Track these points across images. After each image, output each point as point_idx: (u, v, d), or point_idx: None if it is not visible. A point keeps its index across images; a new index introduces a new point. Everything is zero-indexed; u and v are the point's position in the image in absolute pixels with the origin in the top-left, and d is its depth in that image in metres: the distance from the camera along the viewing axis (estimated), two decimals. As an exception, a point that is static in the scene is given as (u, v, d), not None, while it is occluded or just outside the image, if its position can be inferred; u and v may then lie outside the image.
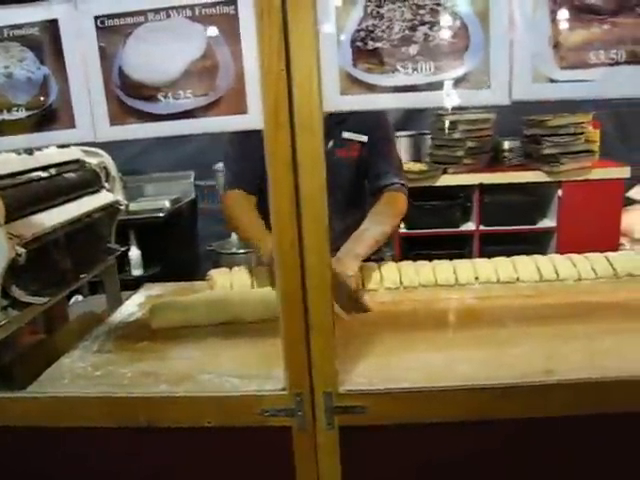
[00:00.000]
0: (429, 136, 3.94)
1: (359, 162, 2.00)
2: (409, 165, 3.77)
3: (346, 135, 1.96)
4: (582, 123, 3.54)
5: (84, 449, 1.24)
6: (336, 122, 1.89)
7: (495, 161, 3.86)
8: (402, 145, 3.95)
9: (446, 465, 1.20)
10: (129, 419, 1.18)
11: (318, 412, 1.15)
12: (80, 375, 1.34)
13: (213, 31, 1.03)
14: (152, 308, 1.61)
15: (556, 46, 1.01)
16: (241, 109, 1.05)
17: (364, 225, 1.84)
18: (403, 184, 2.03)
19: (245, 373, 1.27)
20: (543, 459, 1.19)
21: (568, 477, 1.21)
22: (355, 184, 2.05)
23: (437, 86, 1.02)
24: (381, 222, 1.86)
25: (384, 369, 1.26)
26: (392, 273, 1.79)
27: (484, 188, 3.68)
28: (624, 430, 1.17)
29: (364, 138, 1.97)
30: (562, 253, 1.89)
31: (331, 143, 1.93)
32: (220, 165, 3.76)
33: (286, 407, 1.14)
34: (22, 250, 1.26)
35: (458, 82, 1.02)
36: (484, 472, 1.21)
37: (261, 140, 1.91)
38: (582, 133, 3.55)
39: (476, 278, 1.76)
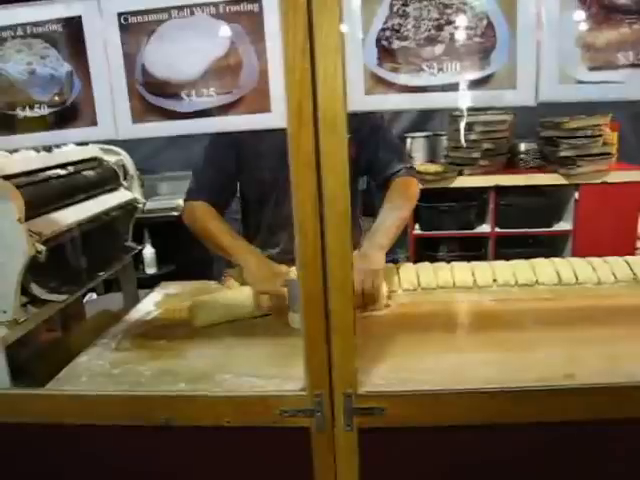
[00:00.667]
0: (445, 137, 3.92)
1: (359, 157, 1.94)
2: (425, 166, 3.76)
3: None
4: (600, 125, 3.51)
5: (102, 447, 1.24)
6: None
7: (511, 163, 3.84)
8: (418, 146, 3.95)
9: (464, 468, 1.19)
10: (147, 418, 1.18)
11: (337, 413, 1.14)
12: (98, 373, 1.34)
13: (237, 29, 1.02)
14: (192, 307, 1.62)
15: (584, 47, 1.00)
16: (264, 108, 1.05)
17: (381, 216, 1.84)
18: (409, 167, 2.02)
19: (264, 373, 1.27)
20: (562, 463, 1.18)
21: (589, 483, 1.20)
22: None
23: (462, 86, 1.01)
24: (398, 207, 1.86)
25: (403, 371, 1.25)
26: (410, 275, 1.78)
27: (500, 190, 3.66)
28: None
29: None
30: (578, 256, 1.87)
31: None
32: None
33: (305, 408, 1.13)
34: (42, 247, 1.26)
35: (484, 82, 1.01)
36: (502, 476, 1.20)
37: (238, 150, 1.88)
38: (600, 135, 3.52)
39: (494, 280, 1.75)
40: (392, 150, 2.02)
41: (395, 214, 1.84)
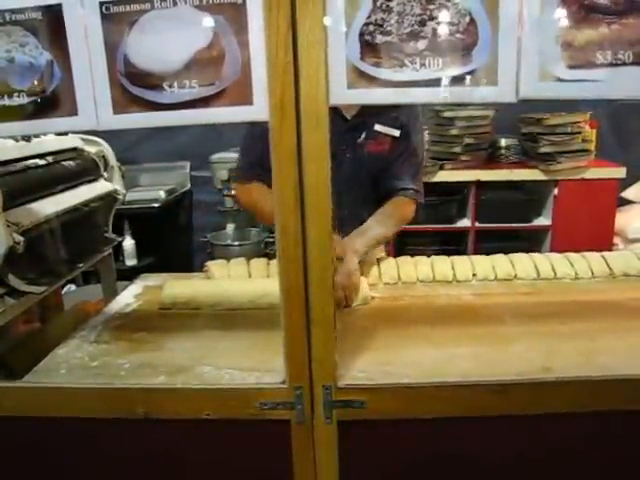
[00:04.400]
0: (426, 132, 3.93)
1: (388, 157, 1.96)
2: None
3: (378, 128, 1.91)
4: (579, 122, 3.54)
5: (80, 440, 1.23)
6: (370, 115, 1.87)
7: (492, 158, 3.86)
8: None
9: (443, 461, 1.20)
10: (126, 410, 1.17)
11: (317, 406, 1.14)
12: (77, 365, 1.33)
13: (220, 20, 1.02)
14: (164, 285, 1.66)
15: (564, 45, 1.00)
16: (247, 100, 1.04)
17: (367, 223, 1.83)
18: (417, 191, 2.00)
19: (244, 365, 1.27)
20: (539, 456, 1.19)
21: (564, 474, 1.21)
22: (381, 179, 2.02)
23: (444, 82, 1.02)
24: (385, 224, 1.86)
25: (383, 364, 1.26)
26: (391, 268, 1.79)
27: (481, 185, 3.68)
28: (620, 428, 1.17)
29: (396, 132, 1.93)
30: (556, 252, 1.89)
31: (363, 136, 1.91)
32: (216, 156, 3.75)
33: (285, 400, 1.14)
34: (20, 238, 1.25)
35: (465, 79, 1.02)
36: (480, 468, 1.21)
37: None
38: (579, 132, 3.55)
39: (474, 275, 1.77)
40: (411, 165, 2.00)
41: (380, 230, 1.84)
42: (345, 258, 1.66)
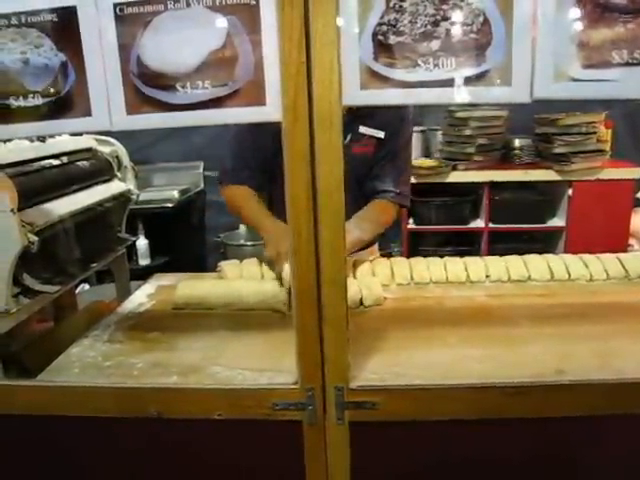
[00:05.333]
0: (440, 132, 3.92)
1: (373, 159, 1.97)
2: (419, 161, 3.76)
3: (362, 130, 1.92)
4: (594, 122, 3.52)
5: (93, 439, 1.24)
6: (355, 116, 1.86)
7: (506, 159, 3.84)
8: (413, 141, 3.94)
9: (455, 463, 1.20)
10: (139, 410, 1.18)
11: (329, 407, 1.14)
12: (90, 365, 1.34)
13: (233, 21, 1.02)
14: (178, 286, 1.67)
15: (579, 45, 1.00)
16: (259, 101, 1.04)
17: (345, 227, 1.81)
18: (399, 194, 1.97)
19: (256, 366, 1.27)
20: (553, 459, 1.19)
21: (577, 478, 1.20)
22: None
23: (458, 82, 1.01)
24: (364, 229, 1.84)
25: (395, 365, 1.25)
26: (403, 269, 1.78)
27: (494, 186, 3.66)
28: (636, 432, 1.16)
29: (381, 134, 1.93)
30: (571, 253, 1.88)
31: (349, 137, 1.90)
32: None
33: (297, 401, 1.14)
34: (34, 238, 1.25)
35: (479, 79, 1.01)
36: (493, 471, 1.20)
37: (270, 134, 1.90)
38: (594, 133, 3.53)
39: (487, 276, 1.76)
40: (394, 168, 1.98)
41: (356, 233, 1.81)
42: None
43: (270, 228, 1.76)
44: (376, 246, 2.22)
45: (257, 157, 1.95)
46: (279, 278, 1.63)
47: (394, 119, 1.95)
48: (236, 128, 1.97)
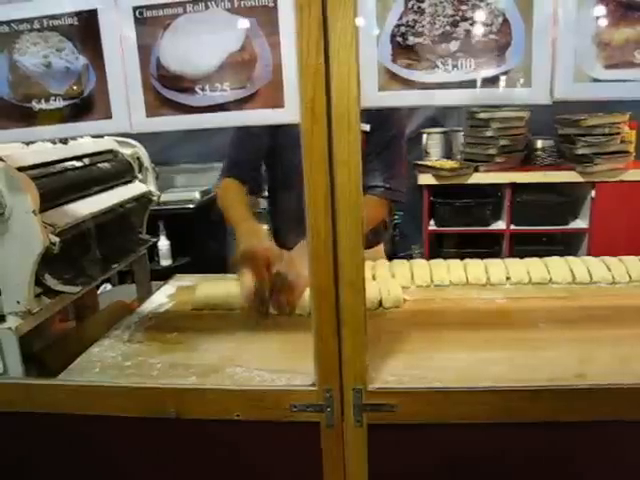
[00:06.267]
0: (461, 133, 3.90)
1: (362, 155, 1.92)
2: (441, 162, 3.75)
3: None
4: (618, 123, 3.48)
5: (112, 438, 1.25)
6: None
7: (528, 160, 3.81)
8: (434, 142, 3.93)
9: (473, 466, 1.19)
10: (158, 410, 1.18)
11: (347, 409, 1.14)
12: (110, 365, 1.35)
13: (252, 23, 1.02)
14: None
15: (600, 44, 0.98)
16: (278, 103, 1.04)
17: None
18: (389, 188, 1.92)
19: (274, 367, 1.27)
20: (571, 463, 1.17)
21: (598, 484, 1.19)
22: None
23: (477, 83, 1.01)
24: None
25: (413, 368, 1.25)
26: (423, 271, 1.77)
27: (516, 187, 3.64)
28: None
29: (367, 127, 1.85)
30: (594, 255, 1.86)
31: None
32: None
33: (315, 403, 1.14)
34: (56, 239, 1.27)
35: (498, 80, 1.00)
36: (511, 474, 1.19)
37: (268, 130, 1.86)
38: (618, 133, 3.49)
39: (508, 278, 1.74)
40: (383, 161, 1.91)
41: None
42: (295, 262, 1.58)
43: (244, 231, 1.70)
44: (381, 246, 2.19)
45: (255, 153, 1.96)
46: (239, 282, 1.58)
47: (379, 112, 1.86)
48: (235, 128, 1.94)
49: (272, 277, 1.52)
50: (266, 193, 2.19)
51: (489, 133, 3.63)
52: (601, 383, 1.12)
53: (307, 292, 1.54)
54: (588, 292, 1.67)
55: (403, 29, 0.99)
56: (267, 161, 2.03)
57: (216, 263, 4.15)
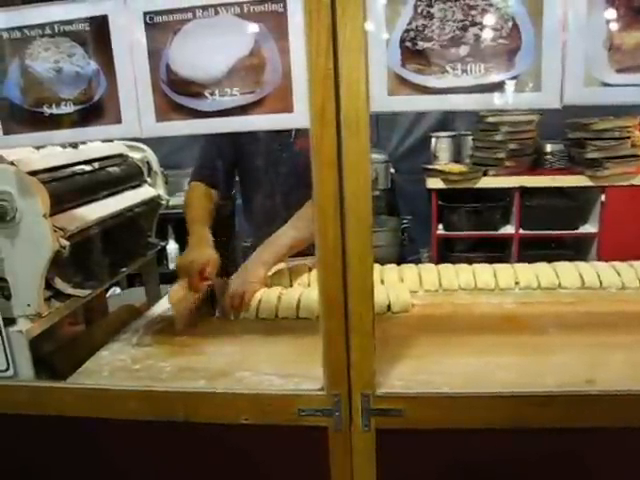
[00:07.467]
0: (470, 137, 3.89)
1: None
2: (450, 166, 3.74)
3: None
4: (628, 127, 3.46)
5: (120, 441, 1.25)
6: None
7: (537, 164, 3.79)
8: (443, 146, 3.92)
9: (481, 472, 1.18)
10: (167, 413, 1.19)
11: (355, 413, 1.14)
12: (119, 368, 1.36)
13: (261, 29, 1.03)
14: None
15: (611, 49, 0.98)
16: (287, 107, 1.04)
17: (281, 229, 1.79)
18: None
19: (283, 371, 1.27)
20: (581, 470, 1.17)
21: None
22: None
23: (487, 88, 1.00)
24: (298, 228, 1.78)
25: (422, 372, 1.25)
26: (431, 275, 1.77)
27: (525, 191, 3.62)
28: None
29: None
30: (603, 260, 1.85)
31: (293, 133, 1.83)
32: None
33: (323, 407, 1.14)
34: (66, 243, 1.28)
35: (508, 84, 1.00)
36: (520, 480, 1.19)
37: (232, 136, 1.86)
38: (628, 137, 3.47)
39: (516, 283, 1.73)
40: None
41: (293, 234, 1.77)
42: (249, 270, 1.70)
43: (192, 239, 1.77)
44: None
45: (223, 156, 1.99)
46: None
47: None
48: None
49: (205, 287, 1.65)
50: (238, 196, 2.23)
51: (498, 137, 3.61)
52: (611, 389, 1.12)
53: (256, 297, 1.64)
54: (597, 297, 1.66)
55: (412, 34, 0.99)
56: (238, 165, 2.05)
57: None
